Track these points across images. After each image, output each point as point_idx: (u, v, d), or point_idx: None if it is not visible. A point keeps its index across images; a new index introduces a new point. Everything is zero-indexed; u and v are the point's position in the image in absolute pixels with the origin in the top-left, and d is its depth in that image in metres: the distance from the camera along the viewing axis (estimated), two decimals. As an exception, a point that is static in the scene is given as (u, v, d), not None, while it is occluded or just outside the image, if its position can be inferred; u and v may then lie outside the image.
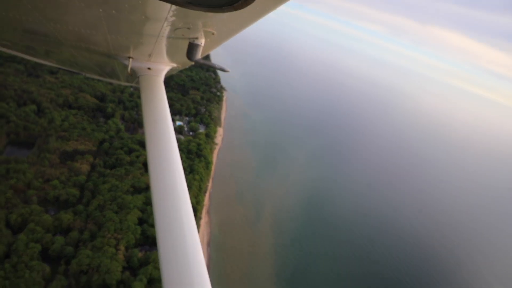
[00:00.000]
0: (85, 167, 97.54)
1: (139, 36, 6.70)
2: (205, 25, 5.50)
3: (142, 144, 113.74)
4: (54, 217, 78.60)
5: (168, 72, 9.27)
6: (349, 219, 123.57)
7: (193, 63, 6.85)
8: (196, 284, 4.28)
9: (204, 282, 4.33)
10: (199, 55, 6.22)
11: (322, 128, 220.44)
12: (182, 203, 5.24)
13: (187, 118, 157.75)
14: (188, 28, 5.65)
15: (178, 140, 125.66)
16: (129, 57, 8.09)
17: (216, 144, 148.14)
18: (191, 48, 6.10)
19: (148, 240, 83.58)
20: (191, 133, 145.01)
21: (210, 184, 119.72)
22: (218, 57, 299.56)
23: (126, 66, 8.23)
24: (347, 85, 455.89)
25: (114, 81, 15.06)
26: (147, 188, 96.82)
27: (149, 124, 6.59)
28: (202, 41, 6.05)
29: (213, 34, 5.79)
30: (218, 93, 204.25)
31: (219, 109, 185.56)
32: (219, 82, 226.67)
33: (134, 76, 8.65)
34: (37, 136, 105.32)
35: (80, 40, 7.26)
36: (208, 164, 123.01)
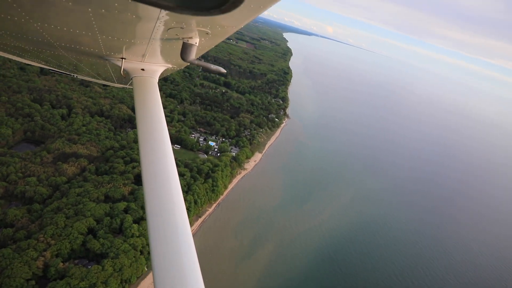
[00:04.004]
0: (72, 170, 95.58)
1: (131, 36, 6.43)
2: (198, 24, 5.41)
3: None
4: (2, 211, 76.15)
5: (163, 73, 8.78)
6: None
7: (188, 64, 6.81)
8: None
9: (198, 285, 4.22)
10: (193, 56, 6.05)
11: (397, 174, 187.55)
12: (176, 207, 5.06)
13: (222, 139, 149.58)
14: (182, 28, 5.52)
15: (193, 159, 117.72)
16: (122, 58, 7.70)
17: (244, 169, 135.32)
18: (185, 48, 5.97)
19: (88, 253, 74.88)
20: (218, 154, 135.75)
21: (211, 209, 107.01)
22: (304, 88, 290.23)
23: (118, 67, 7.81)
24: (467, 131, 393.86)
25: (107, 83, 13.74)
26: (120, 199, 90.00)
27: (143, 126, 6.36)
28: (196, 41, 5.94)
29: (207, 33, 5.69)
30: (276, 119, 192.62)
31: (269, 135, 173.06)
32: (284, 108, 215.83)
33: (127, 77, 8.18)
34: (49, 136, 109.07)
35: (70, 41, 6.88)
36: (215, 188, 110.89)
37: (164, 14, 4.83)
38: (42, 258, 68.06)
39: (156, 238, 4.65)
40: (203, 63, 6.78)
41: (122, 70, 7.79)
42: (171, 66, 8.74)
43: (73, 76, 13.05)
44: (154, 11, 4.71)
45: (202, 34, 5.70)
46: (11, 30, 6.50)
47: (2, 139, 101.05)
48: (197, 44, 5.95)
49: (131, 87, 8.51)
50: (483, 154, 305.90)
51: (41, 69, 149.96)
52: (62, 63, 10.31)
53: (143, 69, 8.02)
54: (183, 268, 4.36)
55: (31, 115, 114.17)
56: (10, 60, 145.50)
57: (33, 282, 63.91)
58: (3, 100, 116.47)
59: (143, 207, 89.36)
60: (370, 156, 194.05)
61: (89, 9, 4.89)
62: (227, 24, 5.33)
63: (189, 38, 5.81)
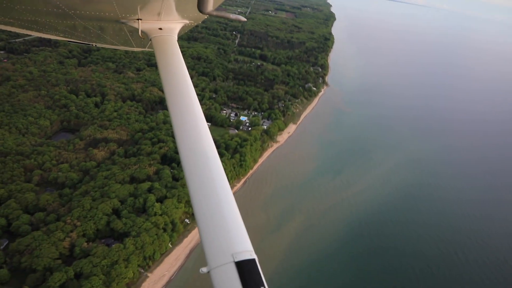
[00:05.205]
0: (101, 154, 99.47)
1: None
2: None
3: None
4: (37, 197, 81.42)
5: (182, 29, 8.64)
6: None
7: (206, 16, 7.14)
8: (236, 243, 4.34)
9: (244, 241, 4.41)
10: (211, 6, 5.86)
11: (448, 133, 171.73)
12: (212, 162, 5.08)
13: (254, 113, 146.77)
14: None
15: (222, 135, 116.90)
16: (138, 19, 7.66)
17: (277, 142, 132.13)
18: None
19: (114, 233, 77.89)
20: (249, 128, 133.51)
21: (239, 184, 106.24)
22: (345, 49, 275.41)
23: (136, 30, 7.82)
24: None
25: (127, 48, 14.42)
26: (144, 180, 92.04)
27: (168, 85, 6.46)
28: None
29: None
30: (314, 88, 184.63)
31: (305, 105, 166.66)
32: (322, 76, 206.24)
33: (146, 39, 8.11)
34: (83, 124, 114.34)
35: (85, 8, 6.98)
36: (243, 163, 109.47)
37: None
38: (69, 239, 71.96)
39: (197, 196, 4.67)
40: (221, 13, 6.64)
41: (140, 31, 7.64)
42: (188, 22, 8.57)
43: (92, 45, 13.09)
44: None
45: None
46: (26, 4, 6.51)
47: (41, 130, 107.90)
48: None
49: (151, 49, 8.34)
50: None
51: (79, 61, 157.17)
52: (80, 33, 10.26)
53: (161, 28, 7.85)
54: (228, 226, 4.40)
55: (67, 106, 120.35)
56: (50, 56, 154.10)
57: (60, 261, 67.85)
58: (43, 94, 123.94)
59: (166, 186, 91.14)
60: (419, 120, 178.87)
61: None
62: None
63: None
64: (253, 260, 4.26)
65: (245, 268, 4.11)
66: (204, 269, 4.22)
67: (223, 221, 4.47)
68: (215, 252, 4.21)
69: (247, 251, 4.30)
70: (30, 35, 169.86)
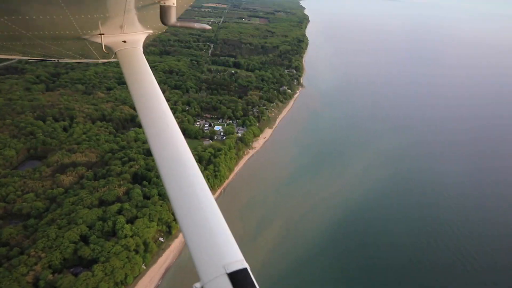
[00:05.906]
0: (69, 179, 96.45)
1: (104, 9, 6.15)
2: None
3: (147, 153, 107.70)
4: (-1, 231, 78.13)
5: (146, 39, 8.45)
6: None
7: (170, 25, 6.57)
8: (226, 254, 4.21)
9: (234, 251, 4.28)
10: (174, 17, 5.77)
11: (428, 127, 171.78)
12: (192, 173, 4.94)
13: (229, 121, 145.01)
14: None
15: (195, 147, 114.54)
16: (100, 34, 7.36)
17: (252, 148, 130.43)
18: (164, 11, 5.71)
19: (82, 261, 74.82)
20: (224, 137, 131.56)
21: (215, 195, 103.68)
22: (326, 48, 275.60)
23: (99, 44, 7.52)
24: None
25: (91, 61, 13.27)
26: (114, 202, 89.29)
27: (138, 98, 6.30)
28: (173, 1, 5.69)
29: None
30: (289, 91, 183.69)
31: (280, 108, 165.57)
32: (297, 78, 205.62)
33: (110, 52, 7.89)
34: (50, 150, 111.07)
35: (42, 28, 6.55)
36: (217, 173, 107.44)
37: None
38: (33, 272, 68.78)
39: (181, 210, 4.52)
40: (185, 23, 6.66)
41: (103, 46, 7.44)
42: (152, 32, 8.34)
43: (55, 61, 12.57)
44: None
45: None
46: None
47: (6, 161, 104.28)
48: (175, 5, 5.63)
49: (116, 59, 8.11)
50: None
51: (46, 86, 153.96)
52: (40, 51, 9.91)
53: (125, 41, 7.69)
54: (215, 237, 4.25)
55: (34, 133, 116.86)
56: (17, 83, 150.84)
57: (22, 297, 64.71)
58: (8, 123, 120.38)
59: (137, 206, 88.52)
60: (394, 118, 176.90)
61: None
62: None
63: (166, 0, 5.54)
64: (245, 269, 4.10)
65: (238, 279, 3.96)
66: (197, 285, 3.99)
67: (211, 232, 4.29)
68: (206, 265, 4.04)
69: (238, 261, 4.15)
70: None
